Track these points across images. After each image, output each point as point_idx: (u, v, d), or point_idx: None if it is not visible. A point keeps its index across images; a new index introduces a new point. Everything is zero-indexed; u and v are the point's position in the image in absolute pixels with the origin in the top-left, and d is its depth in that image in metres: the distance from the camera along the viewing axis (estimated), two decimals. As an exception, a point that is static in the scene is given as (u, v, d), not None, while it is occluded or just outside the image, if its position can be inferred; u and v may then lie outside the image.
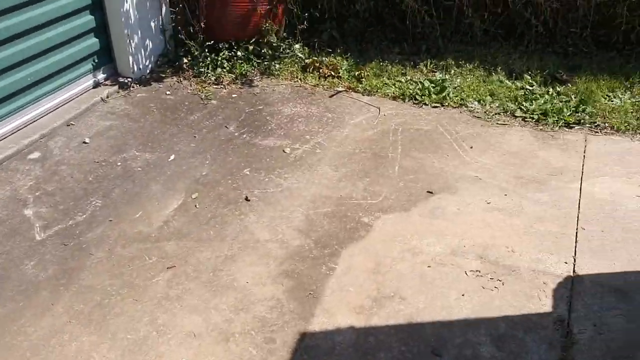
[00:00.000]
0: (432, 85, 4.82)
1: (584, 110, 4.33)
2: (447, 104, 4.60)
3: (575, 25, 5.10)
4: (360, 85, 4.93)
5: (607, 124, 4.18)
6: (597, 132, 4.15)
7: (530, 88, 4.69)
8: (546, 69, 4.88)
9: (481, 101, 4.58)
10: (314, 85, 5.00)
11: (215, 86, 4.91)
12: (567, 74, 4.77)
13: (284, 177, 3.74)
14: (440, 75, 4.97)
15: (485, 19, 5.30)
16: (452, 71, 5.04)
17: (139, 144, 4.11)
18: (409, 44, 5.52)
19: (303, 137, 4.22)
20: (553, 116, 4.29)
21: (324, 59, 5.28)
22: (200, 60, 5.02)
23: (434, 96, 4.68)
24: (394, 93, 4.79)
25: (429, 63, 5.17)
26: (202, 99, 4.72)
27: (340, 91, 4.89)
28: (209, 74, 4.96)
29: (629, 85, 4.57)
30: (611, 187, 3.56)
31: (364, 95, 4.84)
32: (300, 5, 5.39)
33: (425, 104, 4.63)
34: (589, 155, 3.89)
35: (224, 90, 4.86)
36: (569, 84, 4.67)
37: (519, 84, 4.76)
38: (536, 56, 5.10)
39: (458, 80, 4.90)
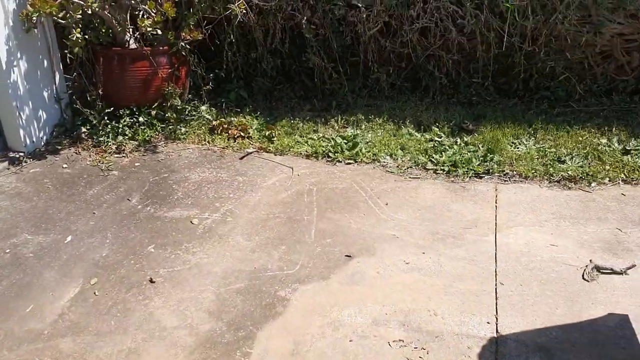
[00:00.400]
0: (345, 141, 4.78)
1: (491, 159, 4.40)
2: (360, 159, 4.55)
3: (477, 75, 5.25)
4: (272, 145, 4.80)
5: (515, 172, 4.25)
6: (507, 180, 4.21)
7: (439, 139, 4.74)
8: (453, 119, 4.97)
9: (393, 155, 4.57)
10: (223, 148, 4.82)
11: (116, 155, 4.62)
12: (473, 123, 4.87)
13: (192, 252, 3.50)
14: (352, 131, 4.95)
15: (391, 73, 5.36)
16: (363, 126, 5.03)
17: (31, 226, 3.75)
18: (319, 101, 5.49)
19: (212, 205, 4.01)
20: (463, 167, 4.33)
21: (232, 119, 5.14)
22: (100, 128, 4.74)
23: (346, 152, 4.63)
24: (306, 151, 4.70)
25: (339, 119, 5.14)
26: (102, 170, 4.42)
27: (251, 152, 4.74)
28: (109, 143, 4.68)
29: (532, 132, 4.71)
30: (525, 237, 3.57)
31: (276, 155, 4.71)
32: (204, 67, 5.25)
33: (338, 161, 4.56)
34: (500, 205, 3.92)
35: (126, 159, 4.59)
36: (475, 134, 4.76)
37: (427, 136, 4.80)
38: (442, 107, 5.19)
39: (369, 135, 4.89)
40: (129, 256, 3.46)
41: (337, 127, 5.07)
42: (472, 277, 3.25)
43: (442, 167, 4.37)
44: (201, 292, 3.17)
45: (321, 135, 4.95)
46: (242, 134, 4.97)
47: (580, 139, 4.55)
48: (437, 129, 4.86)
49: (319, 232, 3.68)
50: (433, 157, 4.49)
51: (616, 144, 4.46)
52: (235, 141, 4.91)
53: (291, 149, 4.74)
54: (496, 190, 4.10)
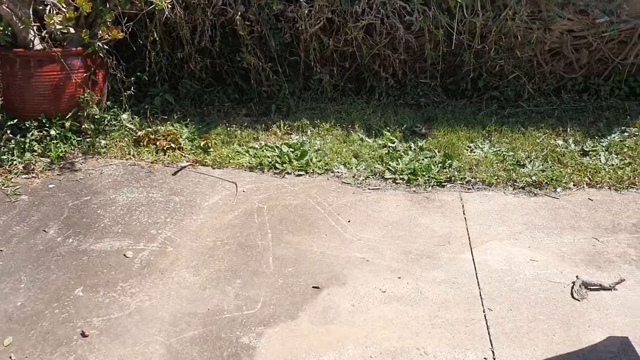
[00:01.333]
0: (291, 150, 4.32)
1: (450, 166, 4.11)
2: (311, 170, 4.11)
3: (424, 75, 4.96)
4: (209, 157, 4.26)
5: (477, 179, 3.98)
6: (470, 188, 3.93)
7: (393, 145, 4.39)
8: (404, 123, 4.64)
9: (347, 164, 4.17)
10: (152, 162, 4.22)
11: (24, 176, 3.90)
12: (425, 126, 4.57)
13: (130, 294, 2.92)
14: (298, 138, 4.50)
15: (335, 73, 4.96)
16: (309, 132, 4.59)
17: None
18: (256, 104, 5.00)
19: (147, 232, 3.43)
20: (423, 175, 4.00)
21: (159, 128, 4.55)
22: (2, 144, 3.99)
23: (295, 163, 4.17)
24: (249, 163, 4.20)
25: (282, 124, 4.67)
26: (7, 195, 3.70)
27: (185, 166, 4.17)
28: (14, 162, 3.94)
29: (486, 134, 4.48)
30: (503, 253, 3.29)
31: (214, 168, 4.18)
32: (125, 69, 4.59)
33: (287, 172, 4.10)
34: (469, 216, 3.62)
35: (37, 180, 3.88)
36: (429, 138, 4.46)
37: (380, 141, 4.45)
38: (390, 109, 4.86)
39: (317, 142, 4.46)
40: (51, 304, 2.83)
41: (280, 134, 4.60)
42: (456, 303, 2.92)
43: (401, 176, 4.03)
44: (147, 345, 2.61)
45: (263, 143, 4.46)
46: (172, 145, 4.38)
47: (537, 140, 4.36)
48: (389, 134, 4.51)
49: (277, 260, 3.21)
50: (390, 165, 4.13)
51: (573, 145, 4.31)
52: (165, 154, 4.31)
53: (231, 161, 4.22)
54: (461, 199, 3.81)
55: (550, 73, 4.88)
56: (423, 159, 4.20)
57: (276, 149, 4.36)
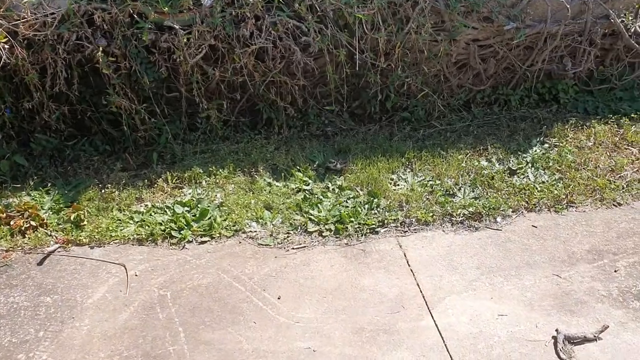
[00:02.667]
0: (187, 209, 3.54)
1: (378, 206, 3.58)
2: (217, 234, 3.37)
3: (325, 101, 4.40)
4: (83, 233, 3.36)
5: (411, 218, 3.47)
6: (406, 231, 3.41)
7: (307, 188, 3.77)
8: (314, 159, 4.04)
9: (259, 220, 3.48)
10: (7, 250, 3.24)
11: None
12: (339, 161, 3.99)
13: None
14: (191, 192, 3.72)
15: (224, 107, 4.23)
16: (204, 183, 3.83)
17: None
18: (134, 155, 4.13)
19: (12, 358, 2.50)
20: (351, 222, 3.43)
21: (11, 201, 3.56)
22: None
23: (195, 226, 3.40)
24: (137, 234, 3.36)
25: (169, 176, 3.86)
26: None
27: (53, 250, 3.24)
28: None
29: (406, 162, 4.01)
30: (466, 311, 2.79)
31: (92, 247, 3.29)
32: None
33: (188, 241, 3.32)
34: (416, 268, 3.09)
35: None
36: (346, 174, 3.90)
37: (292, 184, 3.80)
38: (295, 144, 4.23)
39: (218, 194, 3.72)
40: None
41: (168, 189, 3.78)
42: (437, 393, 2.36)
43: (327, 226, 3.41)
44: None
45: (149, 204, 3.63)
46: (31, 222, 3.41)
47: (461, 164, 3.96)
48: (301, 174, 3.88)
49: (200, 371, 2.46)
50: (311, 214, 3.50)
51: (498, 165, 3.96)
52: (23, 236, 3.34)
53: (113, 234, 3.36)
54: (401, 247, 3.27)
55: (458, 87, 4.54)
56: (347, 202, 3.63)
57: (168, 211, 3.55)
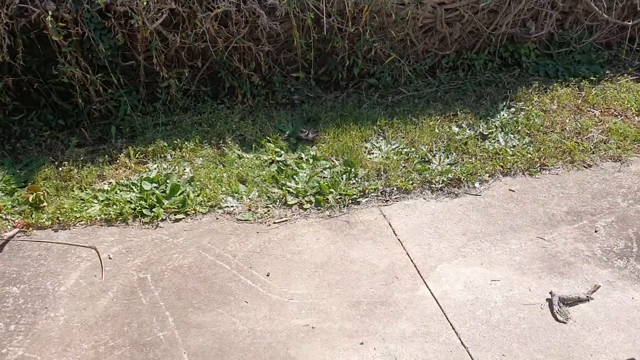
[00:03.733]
0: (155, 185, 3.33)
1: (356, 175, 3.49)
2: (192, 210, 3.19)
3: (292, 68, 4.23)
4: (44, 215, 3.09)
5: (392, 187, 3.41)
6: (388, 200, 3.34)
7: (280, 159, 3.62)
8: (284, 129, 3.88)
9: (235, 194, 3.31)
10: (-41, 238, 2.94)
11: None
12: (311, 130, 3.85)
13: None
14: (157, 167, 3.50)
15: (185, 76, 3.98)
16: (169, 157, 3.61)
17: None
18: (90, 129, 3.83)
19: (-15, 358, 2.27)
20: (331, 193, 3.32)
21: (-44, 183, 3.21)
22: None
23: (167, 203, 3.20)
24: (105, 214, 3.12)
25: (131, 151, 3.61)
26: None
27: (12, 235, 2.97)
28: None
29: (379, 130, 3.92)
30: (459, 278, 2.77)
31: (57, 230, 3.03)
32: None
33: (161, 219, 3.12)
34: (403, 237, 3.04)
35: None
36: (319, 143, 3.77)
37: (264, 156, 3.64)
38: (262, 113, 4.04)
39: (186, 169, 3.51)
40: None
41: (131, 166, 3.53)
42: (443, 363, 2.33)
43: (306, 198, 3.29)
44: None
45: (114, 182, 3.39)
46: (-18, 205, 3.11)
47: (433, 130, 3.90)
48: (272, 144, 3.72)
49: (195, 357, 2.31)
50: (289, 186, 3.37)
51: (469, 130, 3.94)
52: (-24, 221, 3.04)
53: (78, 215, 3.11)
54: (385, 216, 3.20)
55: (423, 52, 4.47)
56: (323, 172, 3.51)
57: (134, 188, 3.32)
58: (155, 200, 3.21)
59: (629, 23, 4.64)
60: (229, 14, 3.79)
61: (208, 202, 3.25)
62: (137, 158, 3.60)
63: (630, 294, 2.69)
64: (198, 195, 3.28)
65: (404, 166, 3.60)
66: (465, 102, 4.27)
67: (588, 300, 2.66)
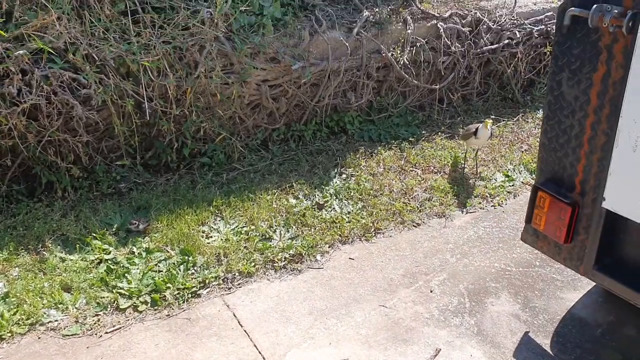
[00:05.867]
0: (-40, 310, 2.89)
1: (195, 264, 3.33)
2: (7, 333, 2.79)
3: (116, 155, 4.00)
4: None
5: (233, 272, 3.30)
6: (231, 287, 3.22)
7: (110, 257, 3.35)
8: (111, 222, 3.62)
9: (59, 306, 2.97)
10: None
11: None
12: (141, 220, 3.63)
13: None
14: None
15: (-8, 177, 3.59)
16: (-22, 271, 3.18)
17: None
18: None
19: None
20: (167, 288, 3.13)
21: None
22: None
23: (-25, 330, 2.78)
24: None
25: None
26: None
27: None
28: None
29: (216, 211, 3.81)
30: (310, 363, 2.72)
31: None
32: None
33: (-32, 351, 2.69)
34: (249, 327, 2.92)
35: None
36: (151, 234, 3.57)
37: (90, 256, 3.34)
38: (86, 207, 3.74)
39: (0, 284, 3.10)
40: None
41: None
42: None
43: (140, 299, 3.06)
44: None
45: None
46: None
47: (271, 205, 3.90)
48: (99, 241, 3.44)
49: None
50: (120, 288, 3.11)
51: (305, 201, 3.99)
52: None
53: None
54: (228, 307, 3.07)
55: (254, 127, 4.49)
56: (158, 266, 3.30)
57: None
58: (-40, 327, 2.78)
59: (437, 86, 5.10)
60: (39, 107, 3.50)
61: (27, 319, 2.87)
62: None
63: (469, 352, 2.82)
64: (15, 314, 2.90)
65: (244, 247, 3.52)
66: (299, 172, 4.34)
67: (433, 365, 2.74)
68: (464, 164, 4.54)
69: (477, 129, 4.19)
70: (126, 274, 3.21)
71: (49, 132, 3.59)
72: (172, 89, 3.89)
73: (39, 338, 2.80)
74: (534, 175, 4.49)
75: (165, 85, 3.88)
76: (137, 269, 3.27)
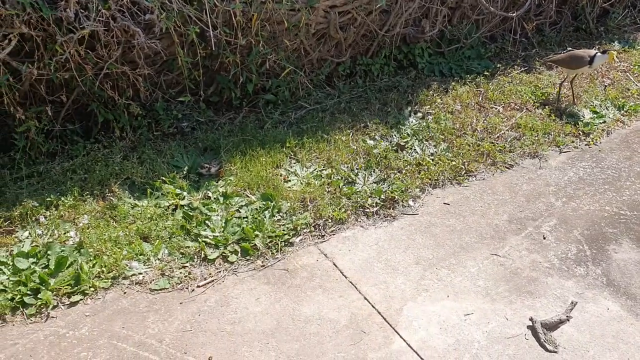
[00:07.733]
0: (34, 261, 2.59)
1: (280, 210, 3.00)
2: (90, 288, 2.49)
3: (176, 90, 3.61)
4: None
5: (324, 219, 2.97)
6: (324, 234, 2.91)
7: (185, 203, 3.02)
8: (180, 164, 3.28)
9: (141, 257, 2.67)
10: None
11: None
12: (212, 163, 3.30)
13: None
14: (31, 236, 2.73)
15: (46, 115, 3.20)
16: (42, 219, 2.85)
17: None
18: None
19: None
20: (257, 237, 2.80)
21: None
22: None
23: (54, 283, 2.48)
24: (-33, 314, 2.33)
25: (-12, 219, 2.79)
26: None
27: None
28: None
29: (290, 153, 3.46)
30: (431, 320, 2.42)
31: None
32: None
33: (53, 306, 2.40)
34: (354, 279, 2.63)
35: None
36: (225, 177, 3.23)
37: (164, 202, 3.01)
38: (149, 149, 3.38)
39: (70, 233, 2.78)
40: None
41: (-9, 238, 2.73)
42: None
43: (229, 248, 2.75)
44: None
45: (-28, 263, 2.57)
46: None
47: (349, 146, 3.54)
48: (171, 186, 3.10)
49: None
50: (204, 236, 2.79)
51: (384, 143, 3.63)
52: None
53: None
54: (326, 256, 2.77)
55: (318, 60, 4.08)
56: (240, 212, 2.98)
57: (5, 269, 2.54)
58: (39, 281, 2.48)
59: (513, 14, 4.65)
60: (96, 35, 3.09)
61: (109, 272, 2.57)
62: (1, 227, 2.79)
63: (604, 304, 2.53)
64: (94, 266, 2.59)
65: (329, 191, 3.19)
66: (371, 111, 3.95)
67: (568, 320, 2.45)
68: (558, 96, 4.15)
69: (592, 58, 3.80)
70: (207, 221, 2.89)
71: (107, 63, 3.20)
72: (239, 15, 3.47)
73: (125, 293, 2.50)
74: (623, 112, 4.14)
75: (230, 12, 3.45)
76: (218, 215, 2.95)
